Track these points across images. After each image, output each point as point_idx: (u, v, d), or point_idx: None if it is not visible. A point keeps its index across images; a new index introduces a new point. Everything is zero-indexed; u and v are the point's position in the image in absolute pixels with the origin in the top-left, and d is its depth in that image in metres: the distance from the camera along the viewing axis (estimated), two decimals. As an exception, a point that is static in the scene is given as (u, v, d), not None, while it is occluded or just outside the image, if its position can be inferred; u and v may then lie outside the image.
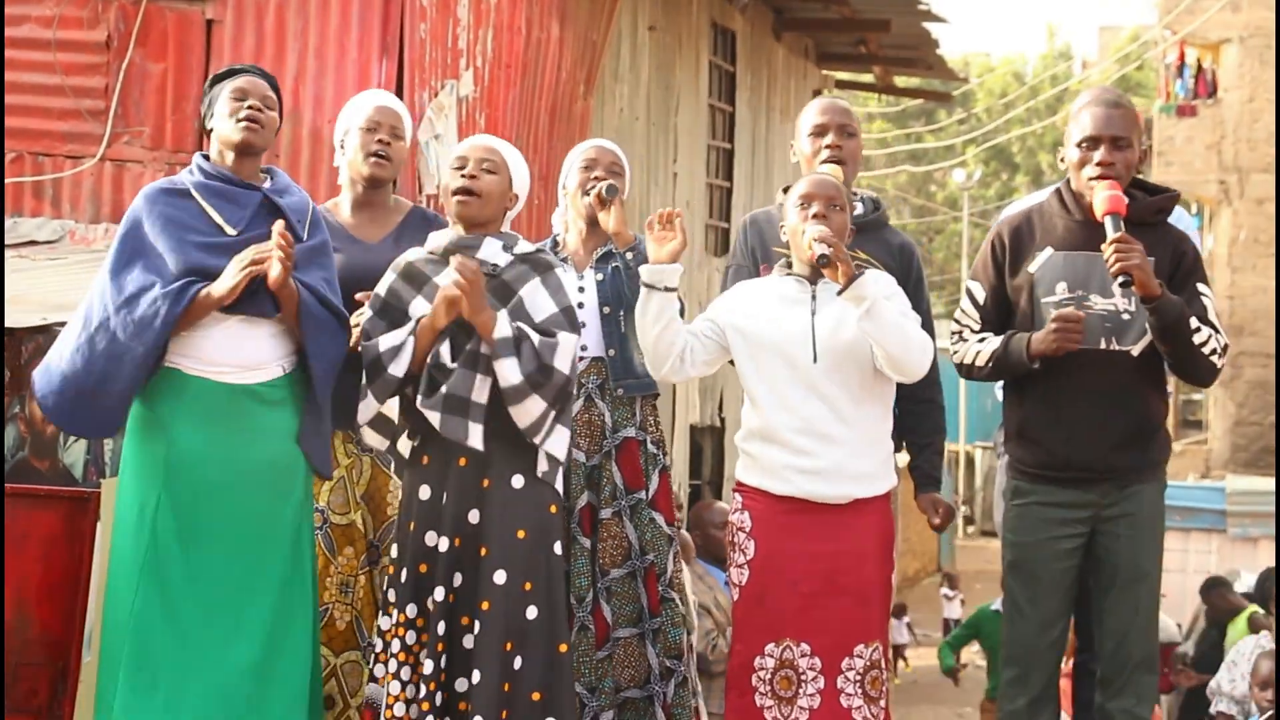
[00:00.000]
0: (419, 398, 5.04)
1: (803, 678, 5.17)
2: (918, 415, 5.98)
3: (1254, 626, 13.53)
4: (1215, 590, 13.99)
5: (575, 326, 5.17)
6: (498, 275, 5.13)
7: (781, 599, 5.19)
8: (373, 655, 5.17)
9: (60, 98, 9.21)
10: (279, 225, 4.99)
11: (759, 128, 15.90)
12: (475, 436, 5.01)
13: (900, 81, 19.37)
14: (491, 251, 5.16)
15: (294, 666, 5.07)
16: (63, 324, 7.08)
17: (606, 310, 5.67)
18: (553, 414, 5.08)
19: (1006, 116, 41.70)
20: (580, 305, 5.55)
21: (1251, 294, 32.20)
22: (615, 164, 5.81)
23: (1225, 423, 32.61)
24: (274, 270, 4.97)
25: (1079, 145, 5.30)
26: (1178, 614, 15.23)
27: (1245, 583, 14.62)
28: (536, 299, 5.12)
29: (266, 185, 5.20)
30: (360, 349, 5.15)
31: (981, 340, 5.39)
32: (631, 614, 5.64)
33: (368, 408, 5.17)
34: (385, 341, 5.08)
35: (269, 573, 5.05)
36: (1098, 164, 5.24)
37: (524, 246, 5.22)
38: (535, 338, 5.03)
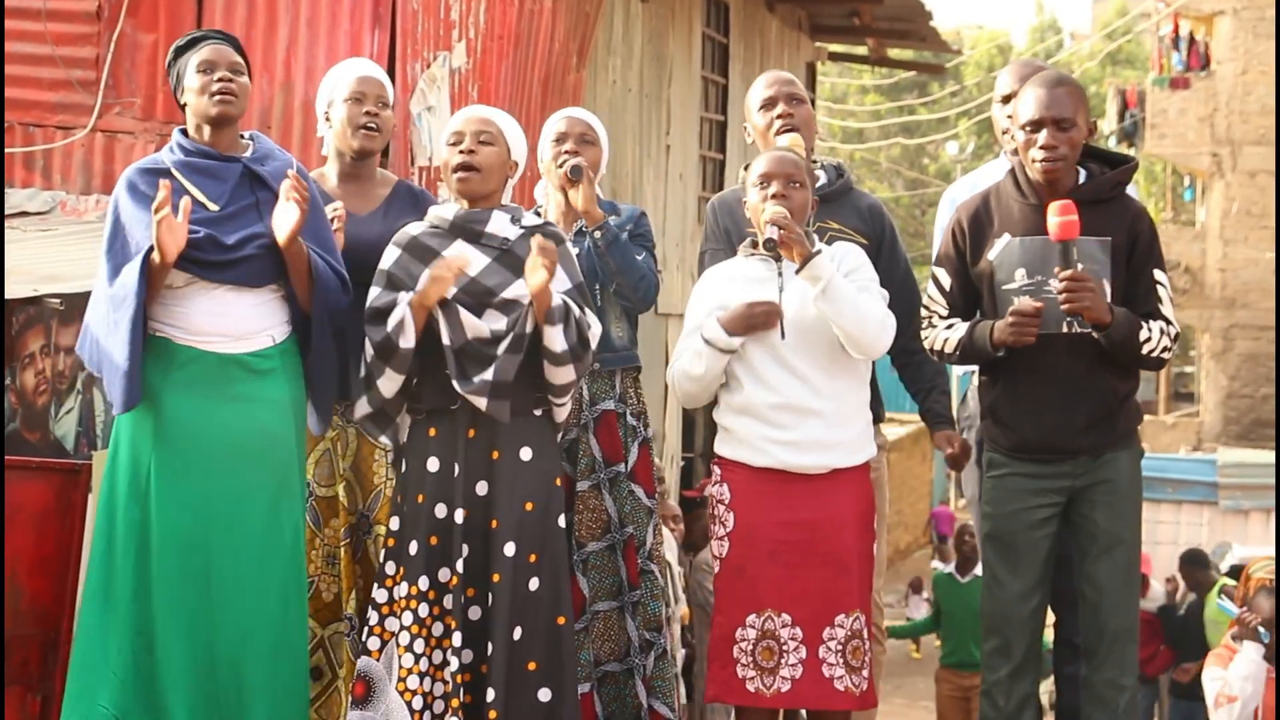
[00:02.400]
0: (457, 382, 5.03)
1: (784, 648, 5.19)
2: (912, 367, 6.07)
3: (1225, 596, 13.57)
4: (1188, 566, 14.05)
5: (587, 299, 5.22)
6: (509, 249, 5.12)
7: (761, 570, 5.22)
8: (366, 628, 5.16)
9: (51, 68, 9.18)
10: (291, 172, 4.99)
11: (752, 100, 15.87)
12: (505, 414, 5.07)
13: (893, 53, 19.34)
14: (501, 225, 5.15)
15: (280, 636, 5.07)
16: (55, 295, 7.10)
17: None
18: (579, 382, 5.18)
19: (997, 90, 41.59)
20: None
21: (1243, 266, 32.23)
22: (587, 134, 5.77)
23: (1217, 395, 32.65)
24: (289, 216, 4.96)
25: (1023, 128, 5.28)
26: (1170, 586, 15.27)
27: (1236, 555, 14.66)
28: (555, 274, 5.10)
29: (247, 154, 5.16)
30: (368, 329, 5.14)
31: (949, 327, 5.40)
32: (611, 587, 5.63)
33: (374, 398, 5.15)
34: (393, 319, 5.06)
35: (260, 540, 5.05)
36: (1040, 147, 5.22)
37: (530, 219, 5.22)
38: (578, 311, 5.08)
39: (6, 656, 5.67)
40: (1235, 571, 14.41)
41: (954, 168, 43.95)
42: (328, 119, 5.69)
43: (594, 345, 5.13)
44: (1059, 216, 5.11)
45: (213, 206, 5.05)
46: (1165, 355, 5.28)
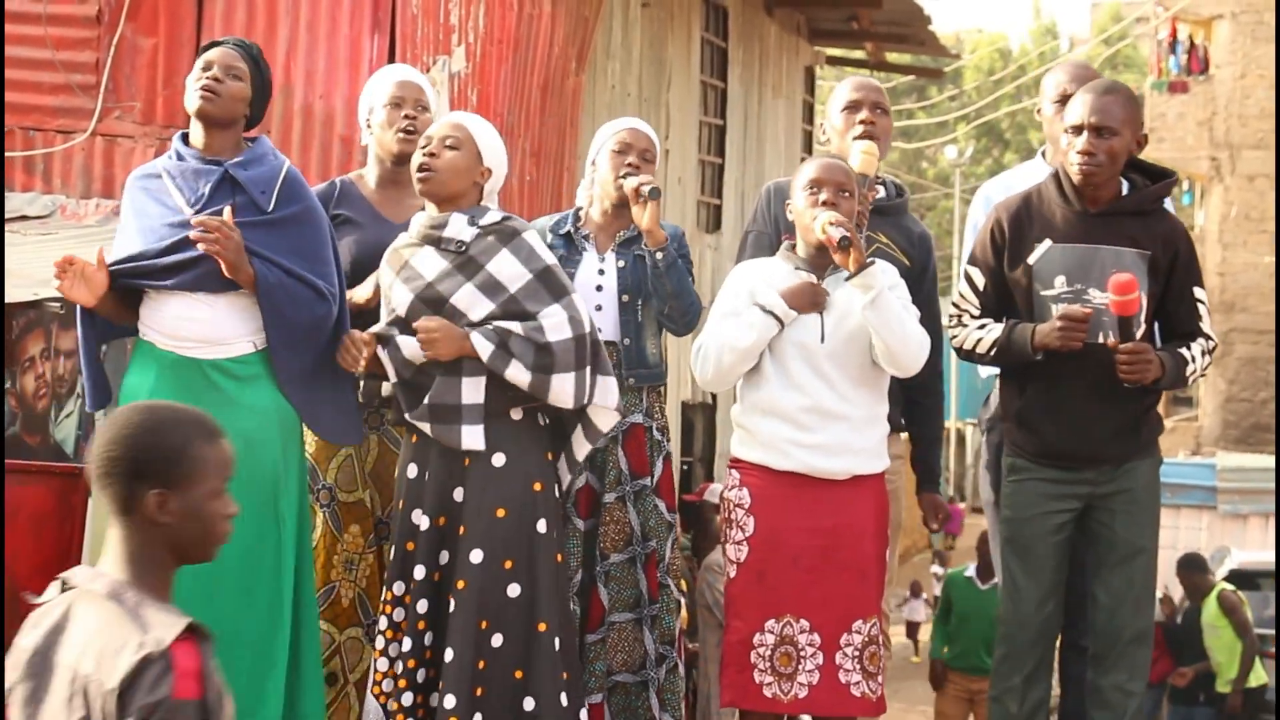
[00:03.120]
0: (405, 412, 5.06)
1: (802, 654, 5.17)
2: (925, 409, 6.03)
3: (1224, 604, 13.57)
4: (1185, 571, 14.04)
5: (555, 284, 5.13)
6: (465, 251, 5.11)
7: (782, 575, 5.19)
8: (376, 631, 5.19)
9: (51, 72, 9.18)
10: (195, 220, 4.99)
11: (751, 104, 15.87)
12: (471, 439, 5.03)
13: (892, 58, 19.35)
14: (458, 228, 5.12)
15: (269, 637, 5.06)
16: (54, 299, 7.10)
17: (625, 298, 5.58)
18: (585, 374, 5.08)
19: (997, 94, 41.66)
20: (599, 288, 5.55)
21: (1242, 270, 32.24)
22: (649, 150, 5.68)
23: (1216, 399, 32.65)
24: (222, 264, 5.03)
25: (1067, 131, 5.28)
26: (1170, 592, 15.26)
27: (1235, 559, 14.67)
28: (505, 269, 5.08)
29: (235, 158, 5.16)
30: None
31: (982, 327, 5.37)
32: (629, 599, 5.61)
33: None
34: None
35: (243, 545, 5.03)
36: (1079, 153, 5.22)
37: (491, 217, 5.16)
38: (518, 329, 5.01)
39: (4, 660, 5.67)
40: (1233, 576, 14.45)
41: (952, 172, 43.95)
42: (369, 126, 5.72)
43: (562, 336, 5.05)
44: (1120, 295, 5.10)
45: (187, 210, 5.05)
46: (1203, 375, 5.39)
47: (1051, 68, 6.10)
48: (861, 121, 5.82)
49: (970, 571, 12.27)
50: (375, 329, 5.13)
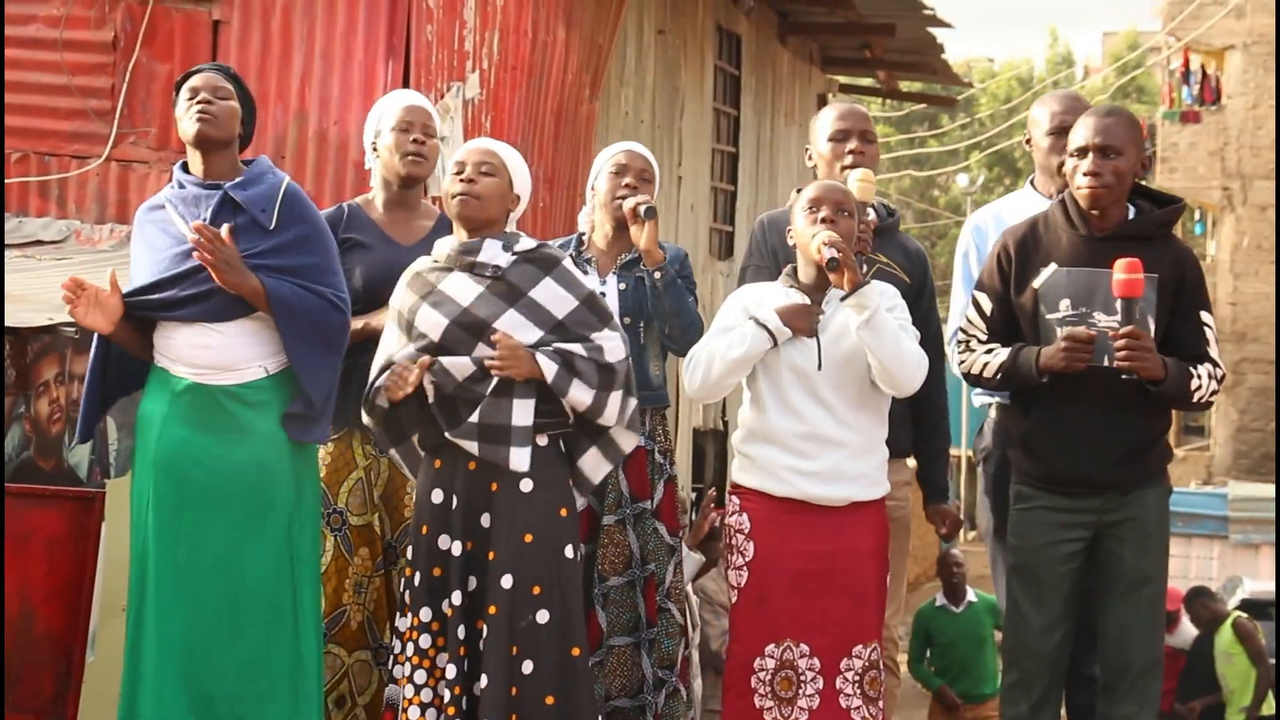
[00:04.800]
0: (445, 429, 5.04)
1: (802, 678, 5.19)
2: (930, 425, 6.04)
3: (1240, 631, 13.54)
4: (1198, 600, 14.00)
5: (601, 310, 5.16)
6: (501, 277, 5.12)
7: (781, 600, 5.21)
8: (390, 656, 5.18)
9: (66, 97, 9.22)
10: (195, 224, 5.01)
11: (763, 131, 15.90)
12: (518, 460, 5.03)
13: (904, 86, 19.37)
14: (492, 254, 5.13)
15: (287, 666, 5.07)
16: (68, 324, 7.11)
17: (627, 320, 5.62)
18: (629, 397, 5.16)
19: (1010, 122, 41.68)
20: None
21: (1254, 300, 32.23)
22: (646, 170, 5.76)
23: (1227, 429, 32.62)
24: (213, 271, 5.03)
25: (1072, 154, 5.30)
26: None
27: (1247, 589, 14.63)
28: (551, 296, 5.10)
29: (233, 180, 5.18)
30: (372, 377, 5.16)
31: (989, 351, 5.38)
32: (628, 623, 5.62)
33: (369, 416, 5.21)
34: (373, 384, 5.12)
35: (256, 573, 5.05)
36: (1085, 174, 5.24)
37: (525, 244, 5.19)
38: (581, 350, 5.05)
39: (18, 684, 5.68)
40: (1245, 605, 14.41)
41: (964, 200, 43.95)
42: (375, 149, 5.74)
43: (618, 358, 5.10)
44: (1124, 274, 5.11)
45: (192, 236, 5.07)
46: (1213, 399, 5.31)
47: (1039, 100, 6.10)
48: (851, 151, 5.86)
49: (940, 601, 12.19)
50: (405, 353, 5.12)
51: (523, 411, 5.03)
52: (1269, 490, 22.22)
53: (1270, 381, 31.51)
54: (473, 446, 5.01)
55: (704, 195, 14.30)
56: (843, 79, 19.27)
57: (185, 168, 5.25)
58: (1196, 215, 36.86)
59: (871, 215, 5.87)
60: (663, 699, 5.64)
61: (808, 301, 5.25)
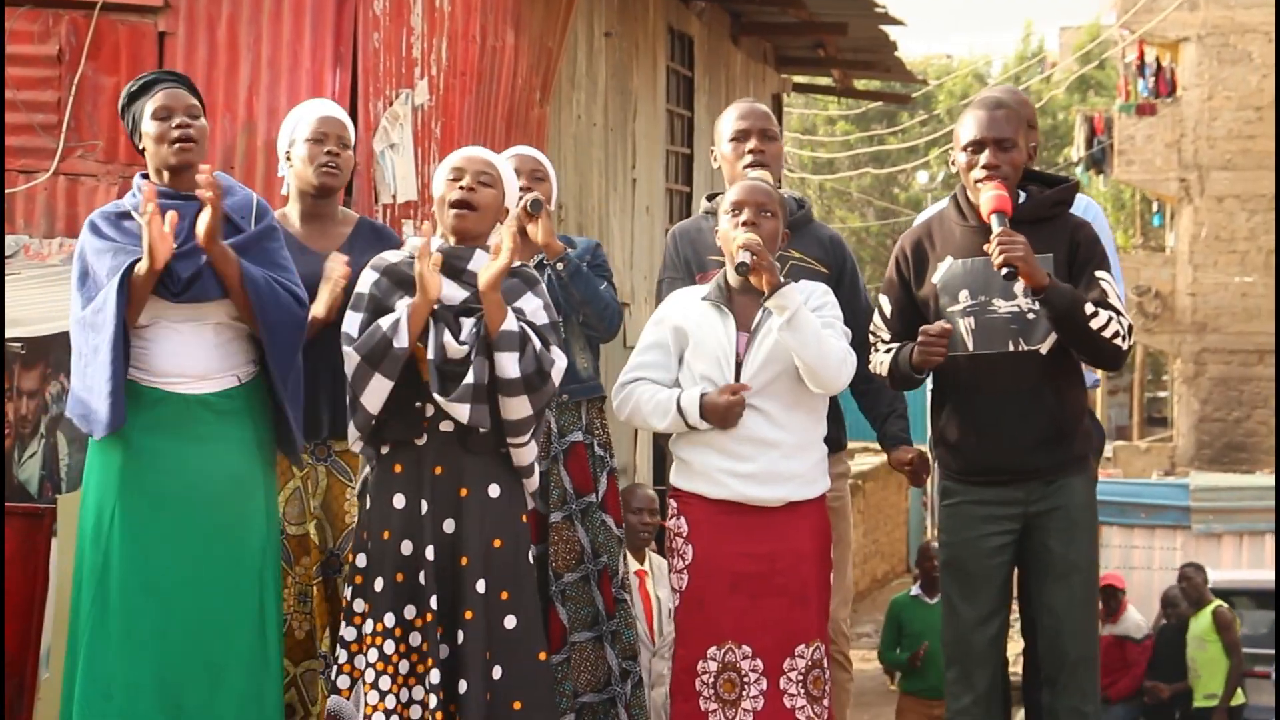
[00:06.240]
0: (437, 396, 5.02)
1: (745, 680, 5.20)
2: (870, 395, 6.07)
3: (1219, 620, 13.61)
4: (1193, 576, 14.09)
5: (559, 339, 5.20)
6: None
7: (721, 602, 5.23)
8: (334, 667, 5.15)
9: (12, 112, 9.16)
10: (205, 167, 4.99)
11: (718, 132, 15.89)
12: (487, 418, 5.04)
13: (859, 84, 19.40)
14: (482, 263, 5.15)
15: (251, 678, 5.06)
16: (16, 340, 7.08)
17: None
18: (534, 425, 5.13)
19: (968, 118, 41.74)
20: None
21: (1213, 290, 32.38)
22: (537, 170, 5.82)
23: (1190, 419, 32.75)
24: (203, 218, 4.97)
25: (964, 149, 5.34)
26: (1144, 610, 15.27)
27: (1210, 579, 14.70)
28: (528, 308, 5.15)
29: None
30: (356, 343, 5.12)
31: (888, 352, 5.44)
32: (587, 617, 5.66)
33: (361, 418, 5.15)
34: (385, 321, 5.07)
35: (227, 583, 5.04)
36: (984, 166, 5.28)
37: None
38: (537, 342, 5.07)
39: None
40: (1223, 594, 14.51)
41: (925, 197, 44.06)
42: (289, 158, 5.72)
43: (555, 380, 5.11)
44: (992, 191, 5.18)
45: (171, 244, 5.06)
46: (1121, 343, 5.24)
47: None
48: (751, 150, 5.89)
49: (915, 590, 12.20)
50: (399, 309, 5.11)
51: (484, 372, 5.01)
52: (1231, 480, 22.33)
53: (1231, 371, 31.68)
54: (464, 410, 4.99)
55: (659, 197, 14.29)
56: (798, 78, 19.28)
57: (146, 177, 5.23)
58: (1155, 207, 37.02)
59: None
60: (629, 688, 5.67)
61: (737, 400, 5.23)
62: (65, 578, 5.54)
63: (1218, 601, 13.99)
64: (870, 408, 6.12)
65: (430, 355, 5.03)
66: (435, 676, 5.00)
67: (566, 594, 5.65)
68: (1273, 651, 14.66)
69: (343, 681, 5.10)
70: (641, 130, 13.72)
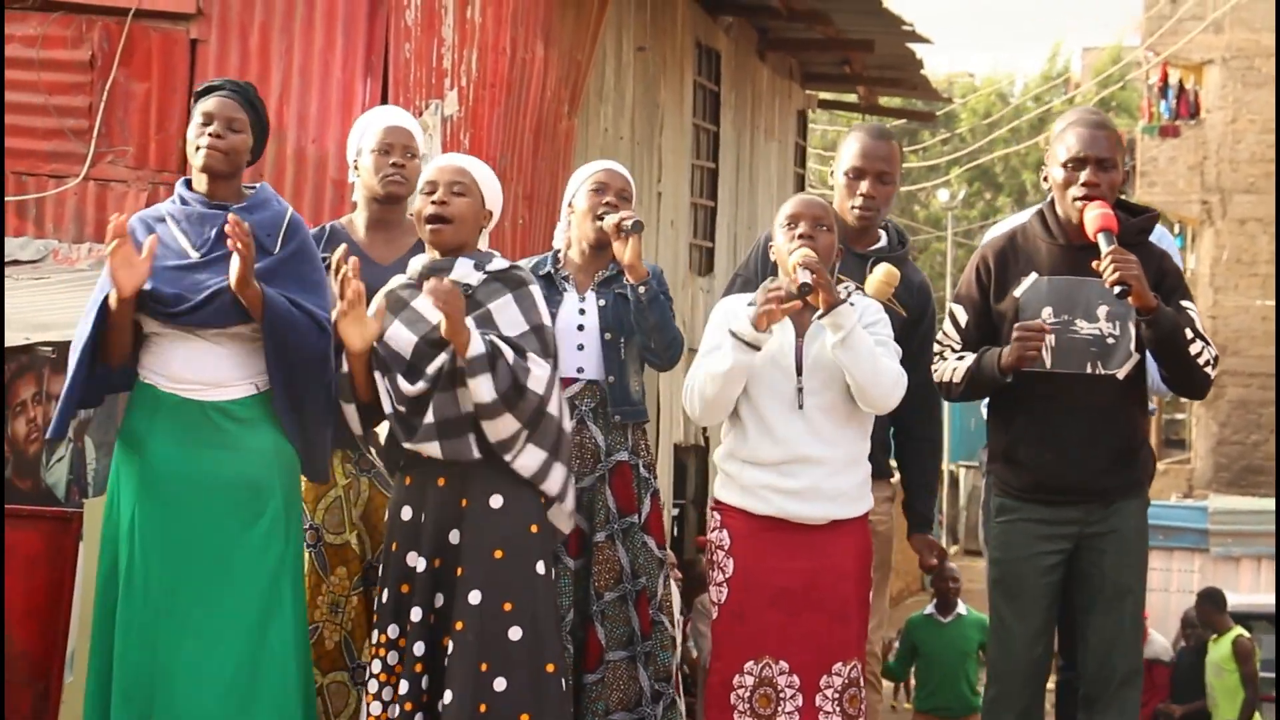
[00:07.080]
0: (404, 440, 5.02)
1: (781, 695, 5.18)
2: (919, 454, 6.09)
3: (1238, 650, 13.56)
4: (1208, 604, 14.04)
5: (547, 344, 5.14)
6: (470, 294, 5.10)
7: (760, 616, 5.21)
8: (367, 675, 5.17)
9: (44, 117, 9.20)
10: (231, 218, 4.97)
11: (743, 147, 15.92)
12: (477, 449, 5.03)
13: (884, 101, 19.42)
14: (463, 272, 5.12)
15: (276, 684, 5.06)
16: (47, 344, 7.11)
17: (608, 336, 5.61)
18: (525, 434, 5.06)
19: (990, 137, 41.79)
20: (580, 327, 5.57)
21: (1234, 314, 32.32)
22: (625, 190, 5.73)
23: (1208, 442, 32.68)
24: (233, 266, 4.97)
25: (1064, 165, 5.31)
26: (1162, 633, 15.25)
27: (1229, 602, 14.67)
28: (507, 314, 5.09)
29: (240, 204, 5.18)
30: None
31: (960, 359, 5.40)
32: (622, 637, 5.63)
33: (352, 430, 5.19)
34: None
35: (244, 591, 5.04)
36: (1083, 184, 5.26)
37: (498, 264, 5.18)
38: (510, 355, 5.00)
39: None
40: (1240, 619, 14.48)
41: (945, 215, 44.03)
42: (355, 167, 5.73)
43: (538, 390, 5.05)
44: (1099, 210, 5.16)
45: (194, 254, 5.07)
46: (1210, 371, 5.26)
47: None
48: (862, 194, 5.89)
49: (930, 610, 12.20)
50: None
51: (450, 405, 5.01)
52: (1249, 503, 22.27)
53: (1249, 394, 31.59)
54: (435, 448, 5.00)
55: (684, 211, 14.31)
56: (823, 95, 19.31)
57: (188, 184, 5.24)
58: (1176, 229, 36.95)
59: (883, 239, 5.99)
60: (660, 711, 5.66)
61: (773, 284, 5.19)
62: (91, 581, 5.55)
63: (1239, 630, 13.93)
64: (909, 465, 6.10)
65: (386, 409, 5.05)
66: (404, 688, 4.98)
67: (605, 613, 5.63)
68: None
69: (372, 687, 5.12)
70: (668, 144, 13.75)
